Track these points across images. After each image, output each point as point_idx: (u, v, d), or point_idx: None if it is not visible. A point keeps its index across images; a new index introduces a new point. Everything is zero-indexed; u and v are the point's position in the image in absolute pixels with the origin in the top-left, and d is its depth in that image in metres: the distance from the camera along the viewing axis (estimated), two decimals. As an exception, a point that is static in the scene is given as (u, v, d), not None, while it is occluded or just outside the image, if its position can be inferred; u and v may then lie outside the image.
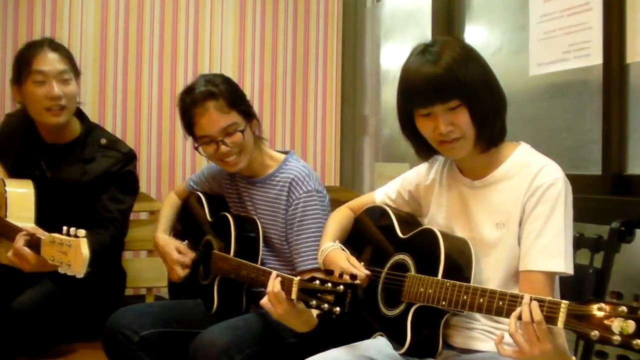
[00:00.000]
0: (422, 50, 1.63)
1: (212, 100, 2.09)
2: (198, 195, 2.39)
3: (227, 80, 2.18)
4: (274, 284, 1.67)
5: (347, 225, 1.99)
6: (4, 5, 3.14)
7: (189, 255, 2.24)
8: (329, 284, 1.55)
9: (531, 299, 1.34)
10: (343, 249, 1.86)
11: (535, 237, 1.55)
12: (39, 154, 2.38)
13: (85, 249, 1.82)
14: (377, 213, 1.92)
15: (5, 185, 2.24)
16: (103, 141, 2.41)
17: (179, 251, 2.24)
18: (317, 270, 1.93)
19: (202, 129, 2.10)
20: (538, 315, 1.30)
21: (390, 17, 3.47)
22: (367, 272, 1.74)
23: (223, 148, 2.10)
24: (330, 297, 1.54)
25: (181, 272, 2.21)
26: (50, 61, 2.27)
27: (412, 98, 1.63)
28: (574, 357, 1.34)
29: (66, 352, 2.28)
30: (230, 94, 2.12)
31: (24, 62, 2.28)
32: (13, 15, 3.15)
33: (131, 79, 3.33)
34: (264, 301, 1.70)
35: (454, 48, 1.61)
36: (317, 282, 1.58)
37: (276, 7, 3.55)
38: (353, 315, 1.55)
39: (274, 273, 1.70)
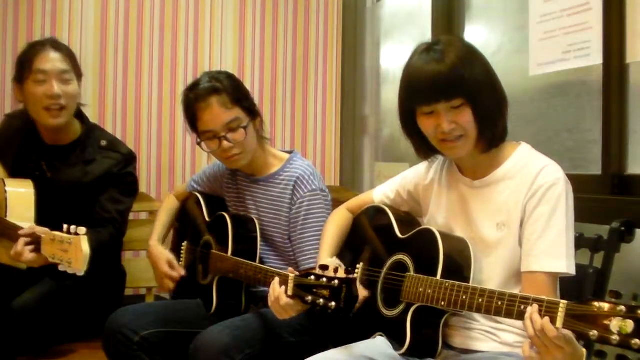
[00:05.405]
0: (427, 49, 1.62)
1: (215, 96, 2.09)
2: (196, 196, 2.39)
3: (231, 77, 2.19)
4: (274, 288, 1.68)
5: (346, 230, 1.98)
6: (4, 5, 3.14)
7: (179, 271, 2.27)
8: (324, 279, 1.55)
9: (533, 300, 1.32)
10: (340, 265, 1.81)
11: (537, 238, 1.55)
12: (39, 155, 2.37)
13: (85, 246, 1.83)
14: (376, 213, 1.92)
15: (5, 185, 2.24)
16: (103, 142, 2.41)
17: (170, 265, 2.26)
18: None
19: (205, 124, 2.11)
20: (553, 331, 1.27)
21: (390, 17, 3.47)
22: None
23: (225, 144, 2.10)
24: (325, 292, 1.54)
25: (170, 285, 2.26)
26: (51, 60, 2.27)
27: (415, 95, 1.62)
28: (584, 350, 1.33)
29: (66, 352, 2.27)
30: (234, 90, 2.13)
31: (26, 62, 2.28)
32: (13, 15, 3.15)
33: (131, 79, 3.32)
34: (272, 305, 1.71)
35: (458, 47, 1.61)
36: (312, 277, 1.58)
37: (276, 7, 3.55)
38: (349, 310, 1.54)
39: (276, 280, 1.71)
